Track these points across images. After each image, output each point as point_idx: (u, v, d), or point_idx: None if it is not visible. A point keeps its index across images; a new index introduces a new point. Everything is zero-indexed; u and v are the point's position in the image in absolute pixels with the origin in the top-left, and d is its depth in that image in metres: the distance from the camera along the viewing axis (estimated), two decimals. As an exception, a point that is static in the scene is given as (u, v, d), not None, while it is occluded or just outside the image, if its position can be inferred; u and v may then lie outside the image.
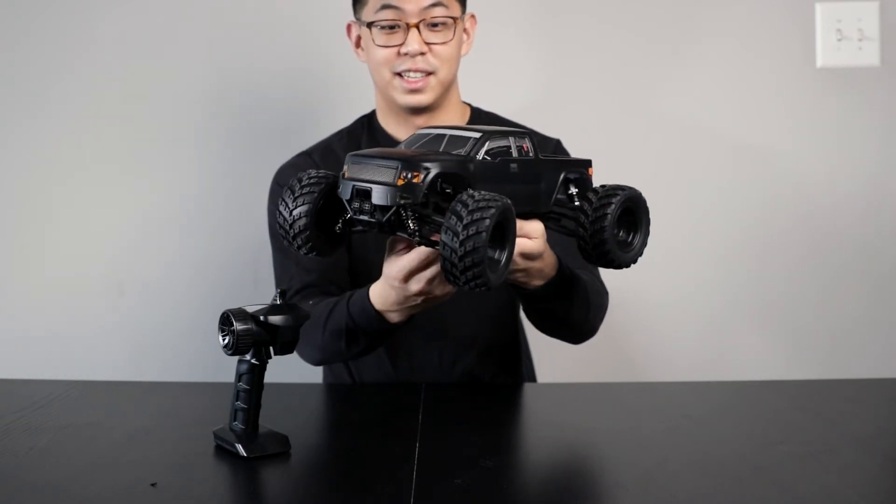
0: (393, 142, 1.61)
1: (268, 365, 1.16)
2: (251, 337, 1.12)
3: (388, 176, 1.00)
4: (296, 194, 1.08)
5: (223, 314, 1.13)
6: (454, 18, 1.51)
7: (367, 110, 1.71)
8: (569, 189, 1.16)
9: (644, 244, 1.16)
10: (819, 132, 2.13)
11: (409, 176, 0.99)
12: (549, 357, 1.73)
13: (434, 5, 1.48)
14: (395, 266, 1.19)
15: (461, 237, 0.94)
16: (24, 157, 2.10)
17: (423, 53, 1.50)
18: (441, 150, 1.05)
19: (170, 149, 2.10)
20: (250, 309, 1.14)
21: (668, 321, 2.11)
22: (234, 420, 1.16)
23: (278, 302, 1.15)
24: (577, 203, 1.15)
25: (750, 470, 1.10)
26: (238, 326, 1.11)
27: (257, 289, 2.05)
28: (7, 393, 1.48)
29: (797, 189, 2.13)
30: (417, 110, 1.56)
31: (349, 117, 1.73)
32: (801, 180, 2.13)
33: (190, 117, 2.10)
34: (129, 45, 2.08)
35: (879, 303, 2.14)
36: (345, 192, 1.05)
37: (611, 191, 1.11)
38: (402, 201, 0.99)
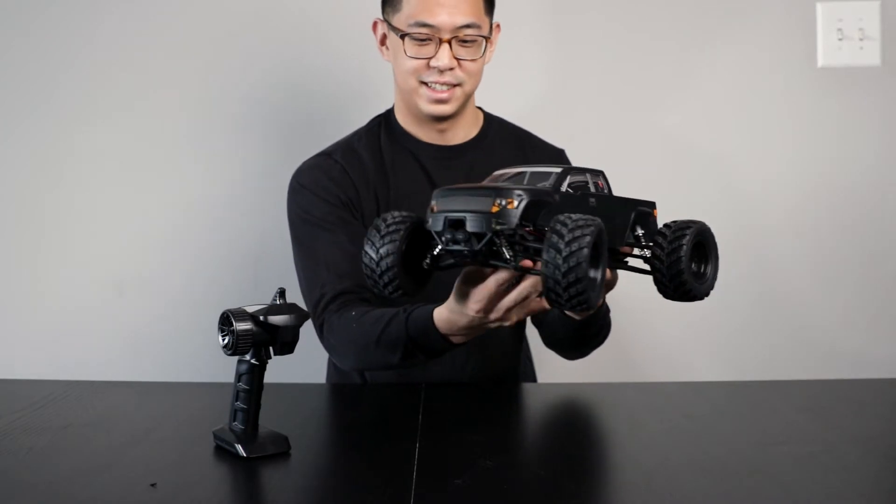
0: (412, 140, 1.60)
1: (268, 365, 1.16)
2: (251, 337, 1.12)
3: (482, 204, 1.01)
4: (381, 234, 1.08)
5: (223, 314, 1.13)
6: (485, 37, 1.52)
7: (368, 111, 1.71)
8: (635, 230, 1.17)
9: (716, 274, 1.16)
10: (820, 132, 2.13)
11: (504, 203, 1.00)
12: (549, 357, 1.72)
13: (467, 25, 1.50)
14: (476, 296, 1.19)
15: (564, 254, 0.94)
16: (23, 157, 2.10)
17: (451, 68, 1.51)
18: (524, 183, 1.07)
19: (169, 149, 2.10)
20: (250, 309, 1.13)
21: (668, 321, 2.11)
22: (234, 420, 1.16)
23: (278, 302, 1.15)
24: (650, 242, 1.15)
25: (750, 470, 1.10)
26: (238, 326, 1.11)
27: (257, 289, 2.05)
28: (7, 393, 1.48)
29: (797, 188, 2.13)
30: (438, 118, 1.56)
31: (350, 117, 1.73)
32: (801, 179, 2.13)
33: (190, 118, 2.10)
34: (129, 45, 2.08)
35: (879, 303, 2.14)
36: (436, 224, 1.05)
37: (683, 225, 1.13)
38: (498, 227, 1.00)
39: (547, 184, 1.05)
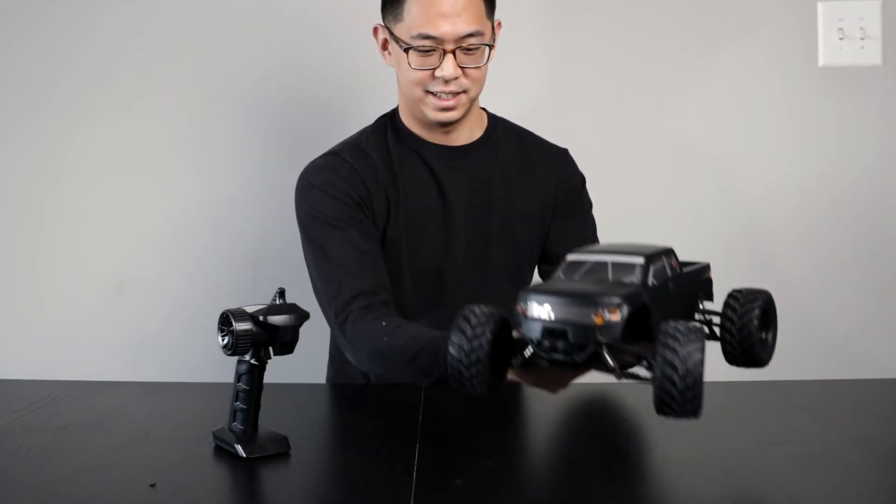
0: (418, 140, 1.59)
1: (268, 365, 1.16)
2: (251, 337, 1.12)
3: (584, 315, 0.99)
4: (468, 337, 1.05)
5: (222, 314, 1.13)
6: (489, 45, 1.52)
7: (367, 110, 1.70)
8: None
9: (775, 340, 1.19)
10: (821, 131, 2.13)
11: (608, 314, 0.99)
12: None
13: (470, 34, 1.49)
14: (552, 379, 1.18)
15: (681, 371, 0.94)
16: (23, 157, 2.10)
17: (456, 77, 1.50)
18: (610, 278, 1.06)
19: (169, 149, 2.10)
20: (250, 309, 1.13)
21: (668, 321, 2.11)
22: (234, 420, 1.16)
23: (278, 302, 1.14)
24: (703, 306, 1.18)
25: (750, 470, 1.10)
26: (237, 327, 1.11)
27: (257, 289, 2.05)
28: (7, 393, 1.48)
29: (798, 188, 2.13)
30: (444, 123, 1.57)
31: (349, 117, 1.73)
32: (802, 179, 2.13)
33: (190, 118, 2.10)
34: (129, 45, 2.09)
35: (880, 303, 2.14)
36: (532, 331, 1.02)
37: (751, 296, 1.14)
38: (603, 339, 0.99)
39: (634, 278, 1.05)
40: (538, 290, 1.03)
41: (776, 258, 2.14)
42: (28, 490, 1.05)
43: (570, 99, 2.12)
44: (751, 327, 1.12)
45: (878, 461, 1.13)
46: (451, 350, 1.05)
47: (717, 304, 1.19)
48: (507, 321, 1.07)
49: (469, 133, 1.62)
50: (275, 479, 1.10)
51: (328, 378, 1.76)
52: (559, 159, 1.68)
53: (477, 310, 1.06)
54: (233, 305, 1.14)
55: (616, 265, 1.06)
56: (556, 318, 1.00)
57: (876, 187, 2.13)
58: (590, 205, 1.70)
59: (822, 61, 2.10)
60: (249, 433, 1.16)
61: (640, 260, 1.05)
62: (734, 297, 1.14)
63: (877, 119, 2.12)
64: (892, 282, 2.14)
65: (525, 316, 1.02)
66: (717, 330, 1.13)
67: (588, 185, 1.73)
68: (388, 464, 1.12)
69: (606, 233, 1.77)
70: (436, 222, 1.59)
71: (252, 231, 2.09)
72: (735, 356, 1.14)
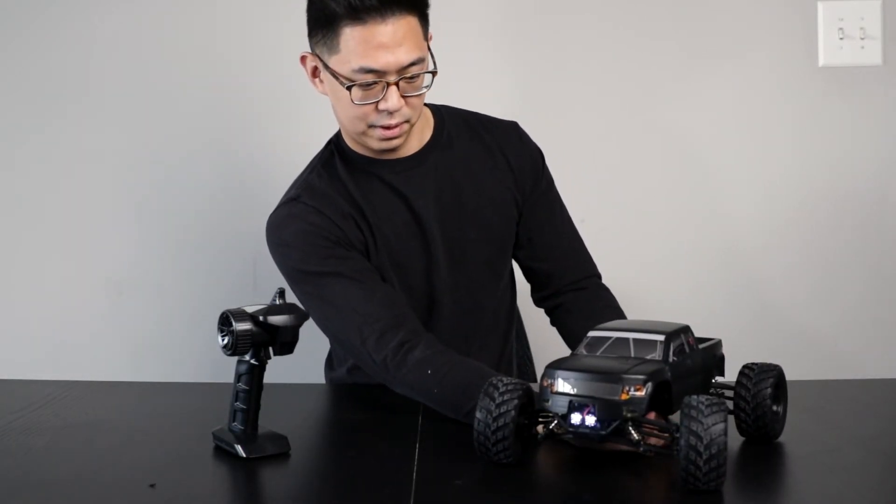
0: (370, 161, 1.53)
1: (268, 365, 1.16)
2: (251, 337, 1.12)
3: (610, 391, 1.04)
4: (494, 414, 1.08)
5: (222, 314, 1.13)
6: (432, 72, 1.45)
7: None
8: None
9: (786, 412, 1.21)
10: (821, 131, 2.13)
11: (633, 390, 1.03)
12: (550, 359, 1.72)
13: (412, 63, 1.41)
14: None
15: (705, 442, 0.97)
16: (23, 156, 2.10)
17: (400, 108, 1.43)
18: (633, 355, 1.10)
19: (169, 148, 2.10)
20: (250, 309, 1.13)
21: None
22: (234, 421, 1.16)
23: (278, 302, 1.14)
24: (721, 378, 1.22)
25: (750, 470, 1.10)
26: (237, 327, 1.11)
27: (257, 289, 2.05)
28: (6, 393, 1.48)
29: (798, 189, 2.13)
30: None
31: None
32: (802, 180, 2.13)
33: (189, 117, 2.10)
34: (129, 46, 2.09)
35: (880, 303, 2.14)
36: (558, 405, 1.06)
37: (764, 371, 1.17)
38: (629, 415, 1.03)
39: (656, 355, 1.09)
40: (564, 367, 1.08)
41: (776, 258, 2.14)
42: (27, 490, 1.05)
43: (570, 100, 2.11)
44: (764, 402, 1.15)
45: (878, 462, 1.13)
46: (476, 425, 1.09)
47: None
48: (531, 392, 1.10)
49: (419, 139, 1.55)
50: (275, 479, 1.10)
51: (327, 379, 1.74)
52: (513, 135, 1.61)
53: (500, 384, 1.10)
54: (233, 305, 1.14)
55: (638, 342, 1.11)
56: (582, 393, 1.05)
57: (876, 187, 2.13)
58: (552, 180, 1.64)
59: (822, 61, 2.10)
60: (249, 433, 1.16)
61: (660, 337, 1.10)
62: (746, 373, 1.18)
63: (877, 119, 2.12)
64: (893, 282, 2.14)
65: (551, 391, 1.07)
66: (729, 403, 1.15)
67: (587, 186, 1.72)
68: (388, 463, 1.12)
69: (608, 235, 1.77)
70: (413, 238, 1.54)
71: (252, 231, 2.08)
72: (747, 428, 1.17)
